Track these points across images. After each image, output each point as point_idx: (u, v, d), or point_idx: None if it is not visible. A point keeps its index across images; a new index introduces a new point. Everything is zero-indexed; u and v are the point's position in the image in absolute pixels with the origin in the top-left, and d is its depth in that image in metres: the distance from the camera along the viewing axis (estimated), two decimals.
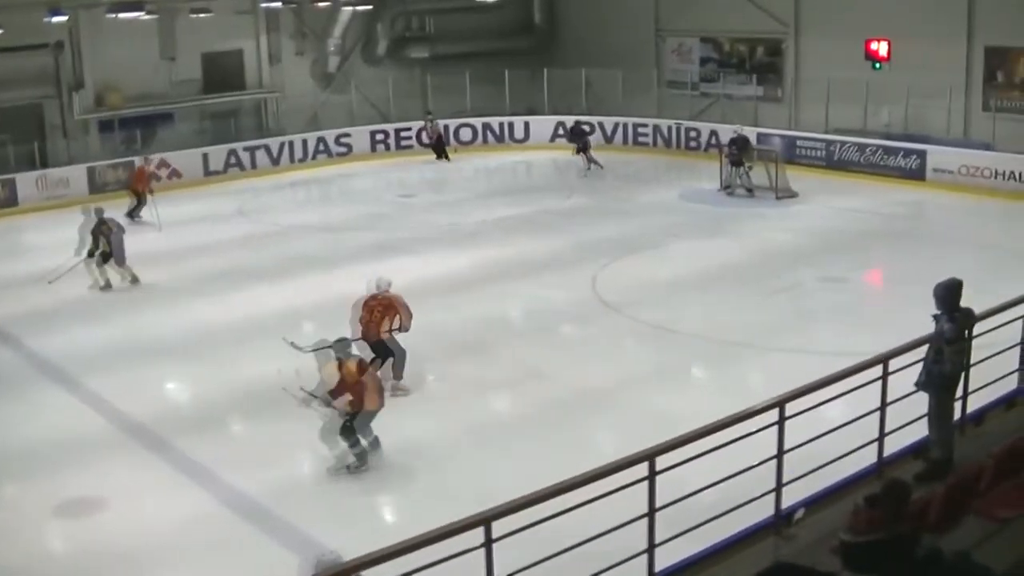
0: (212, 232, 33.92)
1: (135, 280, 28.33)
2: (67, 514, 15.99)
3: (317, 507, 15.84)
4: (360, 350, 18.42)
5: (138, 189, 35.35)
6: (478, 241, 31.24)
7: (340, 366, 16.62)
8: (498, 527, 9.17)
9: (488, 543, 9.15)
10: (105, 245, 27.92)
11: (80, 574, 14.37)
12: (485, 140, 46.81)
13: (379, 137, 46.81)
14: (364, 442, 16.74)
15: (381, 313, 19.40)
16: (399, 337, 19.66)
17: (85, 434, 18.60)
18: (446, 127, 45.82)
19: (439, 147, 44.84)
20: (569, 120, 44.33)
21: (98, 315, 25.75)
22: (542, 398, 19.44)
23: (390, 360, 19.72)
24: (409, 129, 46.77)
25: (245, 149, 43.87)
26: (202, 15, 43.54)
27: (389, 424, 18.31)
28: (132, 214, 34.75)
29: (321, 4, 46.28)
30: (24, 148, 40.12)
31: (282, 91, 47.52)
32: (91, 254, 28.05)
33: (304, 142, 45.34)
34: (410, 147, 46.36)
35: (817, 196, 34.95)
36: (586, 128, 42.13)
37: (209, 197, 39.69)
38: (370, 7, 46.63)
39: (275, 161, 44.40)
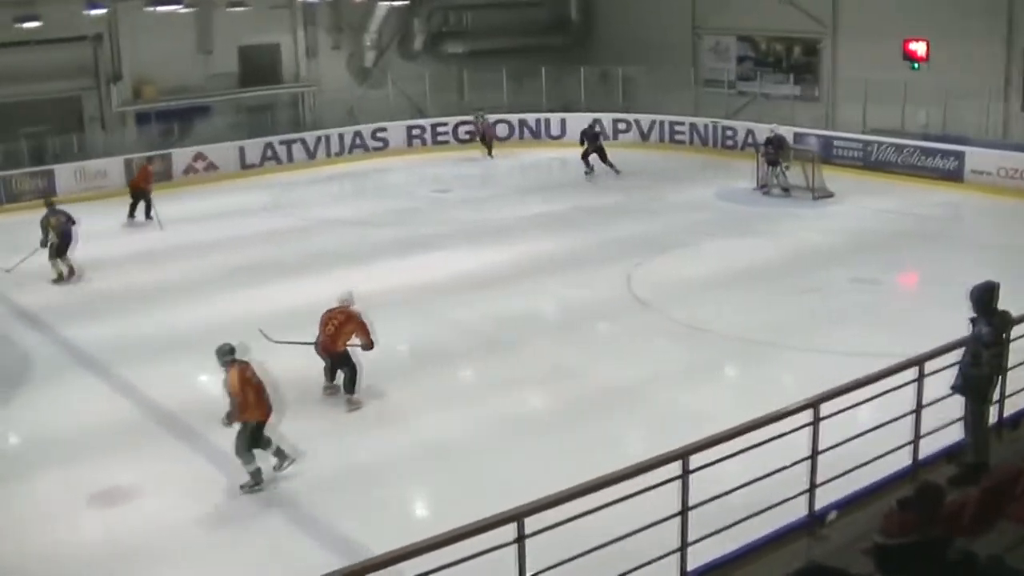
0: (246, 225, 34.05)
1: (71, 273, 28.64)
2: (99, 502, 16.06)
3: (344, 500, 15.86)
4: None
5: (142, 187, 35.20)
6: (512, 237, 31.20)
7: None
8: (530, 523, 9.16)
9: (520, 539, 9.13)
10: (54, 236, 28.36)
11: (110, 561, 14.41)
12: (521, 136, 46.74)
13: (415, 132, 46.96)
14: (257, 460, 16.21)
15: (336, 327, 19.09)
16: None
17: (117, 423, 18.69)
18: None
19: (488, 143, 44.83)
20: (606, 118, 44.37)
21: (131, 306, 25.86)
22: (572, 395, 19.43)
23: (342, 374, 19.46)
24: (445, 125, 46.90)
25: (281, 143, 44.10)
26: (239, 8, 43.64)
27: (417, 420, 18.38)
28: (147, 213, 34.98)
29: None
30: (63, 139, 40.40)
31: (318, 85, 47.65)
32: (44, 244, 28.41)
33: (340, 136, 45.51)
34: (446, 142, 46.49)
35: (853, 196, 34.77)
36: (599, 130, 41.65)
37: (245, 190, 39.88)
38: (407, 2, 46.69)
39: (311, 155, 44.61)
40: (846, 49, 42.19)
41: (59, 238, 28.44)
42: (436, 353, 21.94)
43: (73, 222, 28.86)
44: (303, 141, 44.68)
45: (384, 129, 46.37)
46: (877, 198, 34.65)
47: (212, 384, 20.55)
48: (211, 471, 16.96)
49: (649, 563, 10.06)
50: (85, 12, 39.66)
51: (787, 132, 37.87)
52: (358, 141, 45.82)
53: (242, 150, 43.12)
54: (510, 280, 26.85)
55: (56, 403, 19.89)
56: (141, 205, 35.09)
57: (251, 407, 15.92)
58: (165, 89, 43.65)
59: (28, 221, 32.78)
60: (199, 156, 41.94)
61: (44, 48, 40.26)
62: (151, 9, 41.21)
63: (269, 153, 43.64)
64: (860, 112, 39.63)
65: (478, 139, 45.43)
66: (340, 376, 19.47)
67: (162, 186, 39.46)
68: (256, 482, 16.08)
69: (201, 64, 44.71)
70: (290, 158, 44.06)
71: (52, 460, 17.49)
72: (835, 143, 39.59)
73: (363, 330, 19.17)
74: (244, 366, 16.06)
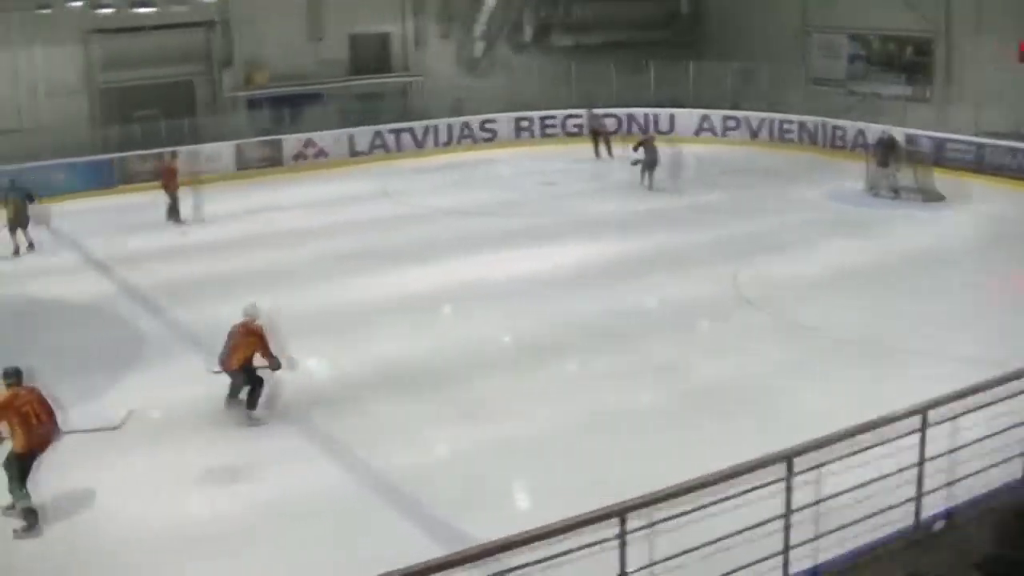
0: (355, 212, 34.48)
1: (30, 247, 30.49)
2: (206, 481, 16.28)
3: (448, 489, 15.88)
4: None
5: (170, 187, 34.05)
6: (619, 232, 31.16)
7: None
8: (632, 520, 9.13)
9: (623, 536, 9.10)
10: (11, 212, 30.28)
11: (214, 539, 14.54)
12: (629, 131, 46.37)
13: (523, 124, 46.98)
14: (30, 498, 14.86)
15: (236, 341, 18.10)
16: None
17: (222, 404, 18.82)
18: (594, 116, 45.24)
19: (597, 140, 44.16)
20: (716, 114, 44.16)
21: (240, 288, 26.06)
22: (677, 392, 19.33)
23: (247, 389, 18.42)
24: (554, 117, 46.83)
25: (390, 131, 44.45)
26: None
27: (522, 412, 18.37)
28: (173, 216, 33.84)
29: None
30: (175, 123, 40.93)
31: (427, 75, 47.89)
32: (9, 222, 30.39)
33: (449, 126, 45.77)
34: (554, 135, 46.42)
35: (965, 200, 34.18)
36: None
37: (353, 178, 40.25)
38: None
39: (419, 144, 44.95)
40: (960, 49, 41.58)
41: (14, 213, 30.22)
42: (541, 345, 21.94)
43: (30, 200, 30.44)
44: (411, 130, 44.99)
45: (492, 120, 46.54)
46: (989, 202, 34.04)
47: (319, 368, 20.91)
48: (313, 453, 17.11)
49: (751, 565, 10.01)
50: None
51: (898, 133, 37.37)
52: (466, 132, 46.06)
53: (351, 138, 43.57)
54: (617, 275, 26.77)
55: (164, 382, 20.14)
56: (181, 203, 34.17)
57: (17, 433, 14.65)
58: (276, 75, 44.19)
59: (141, 203, 33.47)
60: (309, 143, 42.39)
61: (158, 33, 40.96)
62: None
63: (378, 141, 44.02)
64: (973, 114, 39.01)
65: (589, 135, 44.57)
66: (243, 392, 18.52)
67: (271, 171, 40.15)
68: (28, 524, 14.77)
69: (312, 51, 45.16)
70: (398, 147, 44.44)
71: (161, 439, 17.73)
72: (947, 145, 38.86)
73: (264, 347, 18.10)
74: (16, 394, 14.74)
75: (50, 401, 15.16)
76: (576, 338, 22.44)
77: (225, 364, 18.15)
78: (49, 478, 15.49)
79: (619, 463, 16.12)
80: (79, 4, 38.74)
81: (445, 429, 17.99)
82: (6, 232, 30.39)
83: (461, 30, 48.56)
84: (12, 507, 14.90)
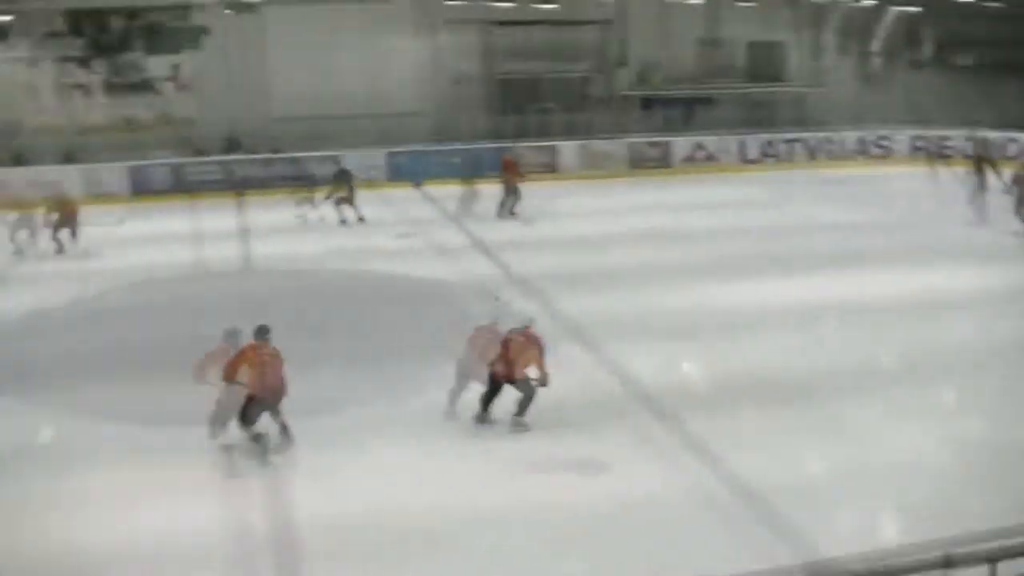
0: (741, 218, 34.46)
1: (360, 220, 34.22)
2: (546, 471, 16.24)
3: (799, 503, 15.27)
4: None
5: (512, 181, 34.75)
6: (998, 261, 29.24)
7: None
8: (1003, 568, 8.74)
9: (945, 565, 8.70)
10: (344, 190, 34.09)
11: (579, 528, 14.59)
12: None
13: (919, 143, 45.68)
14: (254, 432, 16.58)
15: (517, 351, 17.38)
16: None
17: (595, 396, 18.89)
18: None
19: (982, 165, 41.71)
20: None
21: (621, 283, 26.39)
22: None
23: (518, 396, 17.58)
24: (950, 138, 45.38)
25: (784, 140, 44.19)
26: (748, 4, 44.12)
27: (883, 437, 17.64)
28: (504, 209, 34.56)
29: (867, 2, 45.77)
30: (568, 118, 41.81)
31: (823, 86, 47.33)
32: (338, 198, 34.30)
33: (842, 139, 45.12)
34: (950, 156, 44.97)
35: None
36: None
37: (742, 184, 40.20)
38: (917, 9, 45.68)
39: (811, 155, 44.51)
40: None
41: (347, 191, 34.22)
42: (906, 369, 21.14)
43: (354, 179, 34.94)
44: (804, 141, 44.56)
45: (887, 137, 45.58)
46: None
47: (692, 370, 20.87)
48: (675, 453, 16.91)
49: None
50: None
51: None
52: (860, 146, 45.30)
53: (743, 144, 43.51)
54: (988, 304, 25.26)
55: (572, 364, 20.19)
56: (513, 198, 34.79)
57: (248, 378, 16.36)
58: (669, 77, 44.50)
59: (524, 192, 34.35)
60: (699, 146, 42.50)
61: (556, 29, 41.99)
62: None
63: (769, 149, 43.82)
64: None
65: (974, 160, 42.08)
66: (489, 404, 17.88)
67: (660, 172, 40.46)
68: (262, 447, 16.39)
69: (707, 56, 45.33)
70: (790, 156, 44.15)
71: (551, 419, 17.86)
72: None
73: (542, 359, 17.44)
74: (260, 346, 16.50)
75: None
76: (940, 365, 21.47)
77: (506, 374, 17.61)
78: (373, 454, 16.44)
79: (990, 499, 15.31)
80: None
81: (804, 444, 17.50)
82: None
83: (858, 44, 47.83)
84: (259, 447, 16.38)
